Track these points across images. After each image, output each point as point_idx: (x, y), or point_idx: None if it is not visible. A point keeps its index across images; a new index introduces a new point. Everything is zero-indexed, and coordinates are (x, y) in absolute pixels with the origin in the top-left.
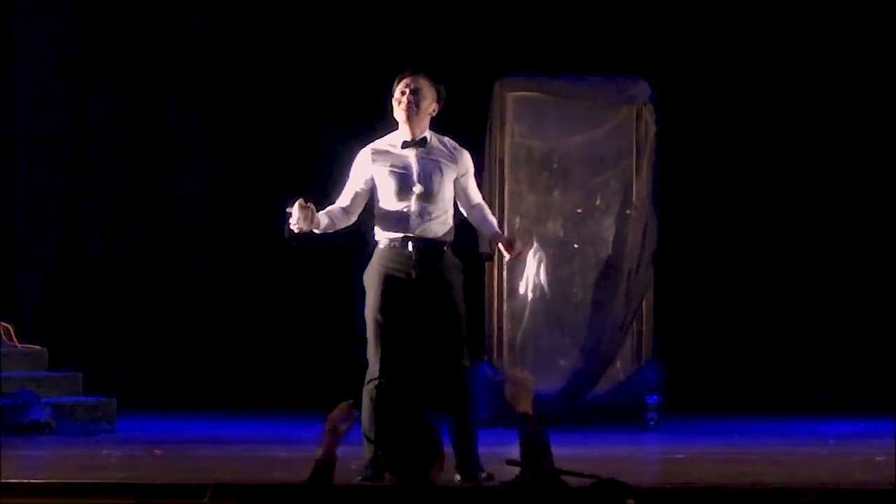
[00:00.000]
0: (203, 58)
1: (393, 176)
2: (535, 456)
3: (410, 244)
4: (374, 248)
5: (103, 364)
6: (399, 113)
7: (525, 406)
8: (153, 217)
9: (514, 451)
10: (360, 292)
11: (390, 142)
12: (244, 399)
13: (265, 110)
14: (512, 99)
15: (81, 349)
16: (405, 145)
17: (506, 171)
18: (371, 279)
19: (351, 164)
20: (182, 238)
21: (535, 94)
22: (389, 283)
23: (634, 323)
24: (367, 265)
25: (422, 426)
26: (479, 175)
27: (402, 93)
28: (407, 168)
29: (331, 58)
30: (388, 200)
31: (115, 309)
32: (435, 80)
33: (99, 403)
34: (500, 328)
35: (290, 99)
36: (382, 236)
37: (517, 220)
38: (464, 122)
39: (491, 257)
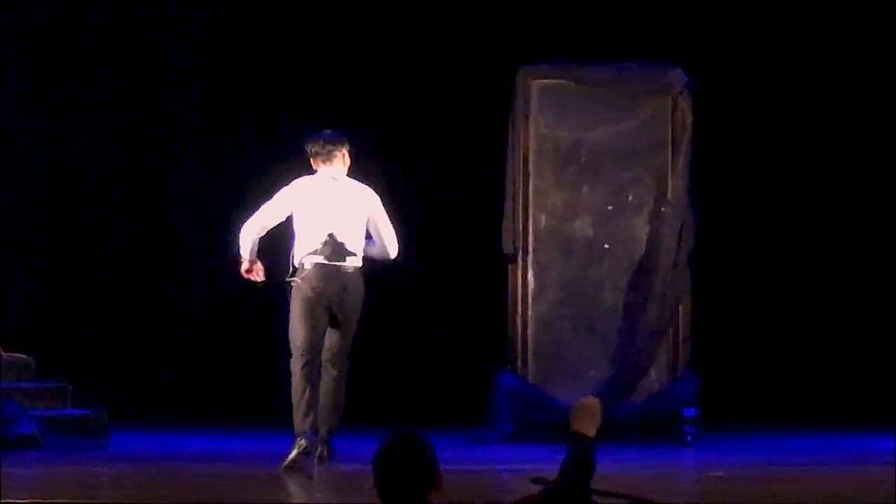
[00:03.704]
0: (200, 58)
1: None
2: (579, 480)
3: None
4: (358, 272)
5: (94, 375)
6: None
7: (586, 428)
8: (145, 224)
9: (539, 468)
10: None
11: None
12: (245, 412)
13: (265, 112)
14: (537, 88)
15: (71, 358)
16: None
17: (530, 165)
18: (363, 291)
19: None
20: (175, 245)
21: (561, 82)
22: None
23: (670, 329)
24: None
25: (415, 446)
26: (501, 169)
27: None
28: None
29: (338, 55)
30: None
31: (106, 317)
32: (454, 69)
33: (90, 417)
34: (524, 335)
35: (296, 95)
36: (361, 260)
37: (542, 218)
38: (485, 112)
39: (514, 258)
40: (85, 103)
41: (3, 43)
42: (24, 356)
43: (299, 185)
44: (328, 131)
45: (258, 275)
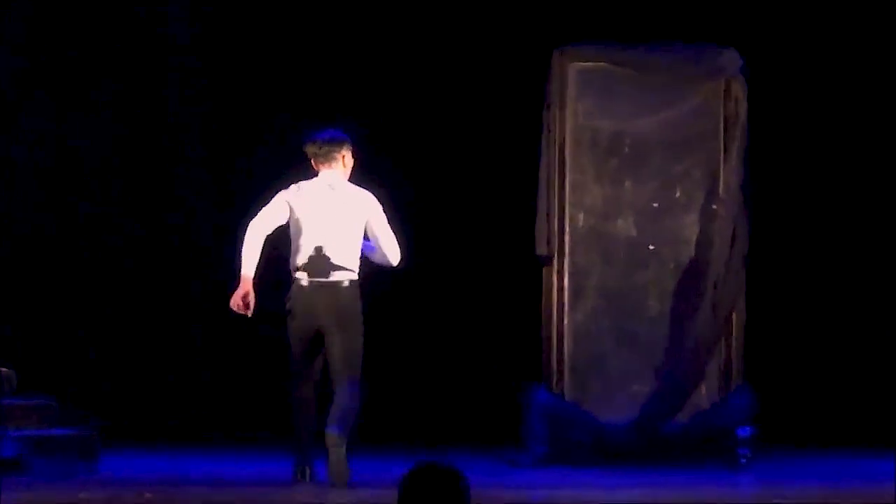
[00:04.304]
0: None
1: None
2: None
3: None
4: (351, 286)
5: (84, 390)
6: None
7: None
8: (143, 228)
9: (577, 494)
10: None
11: None
12: (244, 432)
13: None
14: (575, 72)
15: (58, 372)
16: None
17: (567, 157)
18: (359, 305)
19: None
20: (168, 255)
21: (601, 65)
22: None
23: (721, 340)
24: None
25: (446, 474)
26: (534, 163)
27: None
28: None
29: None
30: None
31: (96, 328)
32: (486, 51)
33: (78, 437)
34: (560, 347)
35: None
36: (356, 272)
37: (580, 216)
38: (518, 99)
39: (549, 261)
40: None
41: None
42: (6, 370)
43: (294, 190)
44: (327, 130)
45: (248, 307)
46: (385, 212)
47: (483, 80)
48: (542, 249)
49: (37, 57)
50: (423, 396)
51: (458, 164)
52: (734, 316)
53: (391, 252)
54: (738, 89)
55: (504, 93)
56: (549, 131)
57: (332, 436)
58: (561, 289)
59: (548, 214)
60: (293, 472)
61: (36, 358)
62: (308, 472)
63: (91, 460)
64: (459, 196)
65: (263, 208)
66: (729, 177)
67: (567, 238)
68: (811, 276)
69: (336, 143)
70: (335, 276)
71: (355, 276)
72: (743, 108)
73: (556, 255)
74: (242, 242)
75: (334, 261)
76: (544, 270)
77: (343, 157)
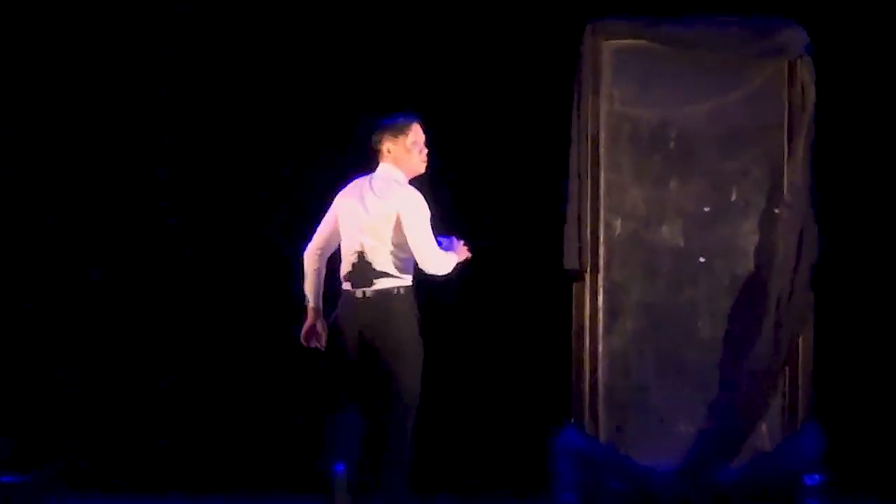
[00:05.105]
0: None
1: None
2: None
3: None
4: (399, 291)
5: (35, 431)
6: (421, 166)
7: None
8: (129, 239)
9: None
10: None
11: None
12: (213, 481)
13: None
14: (610, 51)
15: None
16: None
17: (601, 152)
18: (411, 318)
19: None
20: (159, 261)
21: (642, 43)
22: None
23: (785, 370)
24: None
25: None
26: (563, 159)
27: (423, 145)
28: None
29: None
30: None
31: (52, 357)
32: (509, 25)
33: (28, 484)
34: (593, 377)
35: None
36: (408, 278)
37: (617, 222)
38: (543, 82)
39: (580, 275)
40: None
41: None
42: None
43: (343, 190)
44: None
45: (320, 339)
46: (430, 210)
47: (502, 60)
48: (571, 262)
49: (114, 62)
50: (437, 437)
51: (472, 158)
52: (801, 341)
53: (422, 259)
54: (805, 72)
55: (526, 76)
56: (581, 122)
57: None
58: (594, 309)
59: (578, 221)
60: None
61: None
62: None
63: None
64: (472, 200)
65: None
66: (794, 176)
67: (602, 249)
68: (892, 293)
69: (375, 131)
70: (379, 284)
71: (404, 283)
72: (810, 94)
73: (588, 268)
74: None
75: (376, 266)
76: (574, 287)
77: (385, 146)
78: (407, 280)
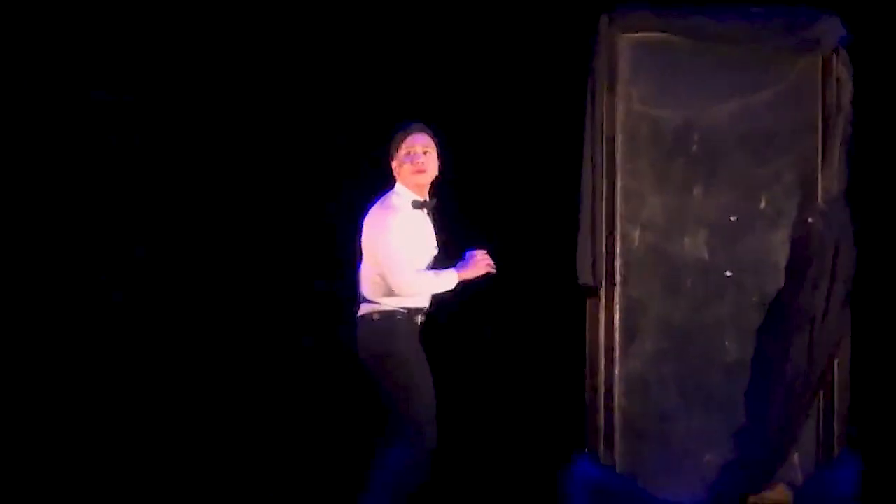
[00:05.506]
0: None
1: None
2: None
3: (420, 316)
4: (379, 319)
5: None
6: (415, 176)
7: None
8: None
9: None
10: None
11: (403, 199)
12: None
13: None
14: (628, 44)
15: None
16: (417, 205)
17: (618, 156)
18: (409, 351)
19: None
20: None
21: (663, 36)
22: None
23: (820, 395)
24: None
25: None
26: (576, 164)
27: (414, 154)
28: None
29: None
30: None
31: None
32: (516, 16)
33: None
34: (609, 403)
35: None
36: (398, 305)
37: (636, 233)
38: (554, 79)
39: (595, 291)
40: None
41: None
42: None
43: None
44: None
45: (488, 265)
46: (396, 230)
47: (509, 55)
48: (585, 277)
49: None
50: (438, 469)
51: (473, 162)
52: (836, 363)
53: (389, 279)
54: (841, 68)
55: (535, 72)
56: (595, 123)
57: None
58: (610, 328)
59: (593, 231)
60: None
61: None
62: None
63: None
64: (475, 207)
65: None
66: (829, 182)
67: (618, 262)
68: None
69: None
70: (363, 309)
71: (382, 308)
72: (847, 92)
73: (603, 284)
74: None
75: (361, 289)
76: (589, 304)
77: (392, 166)
78: (385, 305)
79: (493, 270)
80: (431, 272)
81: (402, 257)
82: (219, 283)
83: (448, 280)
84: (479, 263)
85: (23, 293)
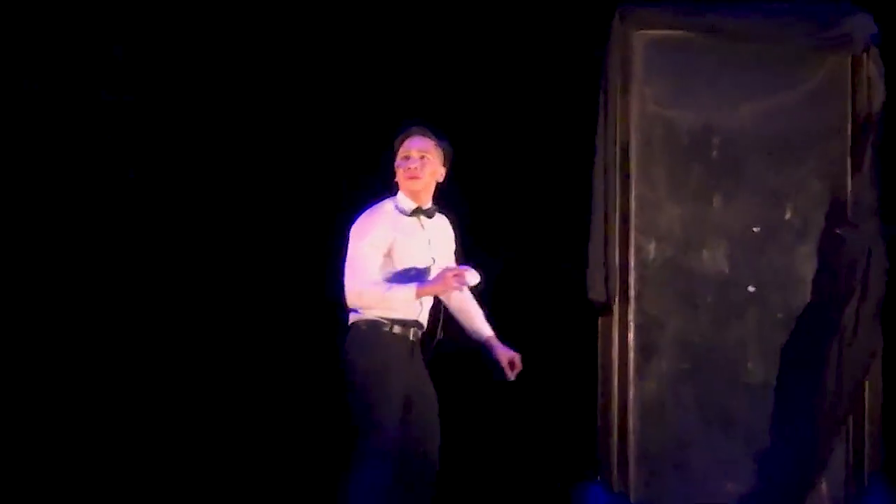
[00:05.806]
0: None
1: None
2: None
3: (413, 331)
4: (363, 331)
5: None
6: (409, 182)
7: None
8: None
9: None
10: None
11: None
12: None
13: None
14: (642, 42)
15: None
16: (406, 213)
17: (632, 162)
18: (360, 353)
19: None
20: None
21: (680, 33)
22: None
23: (850, 418)
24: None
25: None
26: (586, 171)
27: (408, 158)
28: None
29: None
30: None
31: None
32: (525, 12)
33: None
34: (622, 427)
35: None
36: (380, 316)
37: (651, 246)
38: (564, 79)
39: (608, 307)
40: None
41: None
42: None
43: None
44: None
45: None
46: (355, 236)
47: (516, 54)
48: (597, 293)
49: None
50: (442, 497)
51: (477, 167)
52: (867, 384)
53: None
54: (872, 67)
55: (544, 72)
56: (607, 126)
57: None
58: (624, 347)
59: (605, 244)
60: None
61: None
62: None
63: None
64: (482, 218)
65: None
66: (860, 190)
67: (632, 277)
68: None
69: None
70: (352, 318)
71: (358, 318)
72: (878, 93)
73: (617, 300)
74: None
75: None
76: (601, 321)
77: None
78: (369, 314)
79: (461, 286)
80: (386, 285)
81: (355, 265)
82: (223, 285)
83: (404, 295)
84: (446, 279)
85: (23, 293)
